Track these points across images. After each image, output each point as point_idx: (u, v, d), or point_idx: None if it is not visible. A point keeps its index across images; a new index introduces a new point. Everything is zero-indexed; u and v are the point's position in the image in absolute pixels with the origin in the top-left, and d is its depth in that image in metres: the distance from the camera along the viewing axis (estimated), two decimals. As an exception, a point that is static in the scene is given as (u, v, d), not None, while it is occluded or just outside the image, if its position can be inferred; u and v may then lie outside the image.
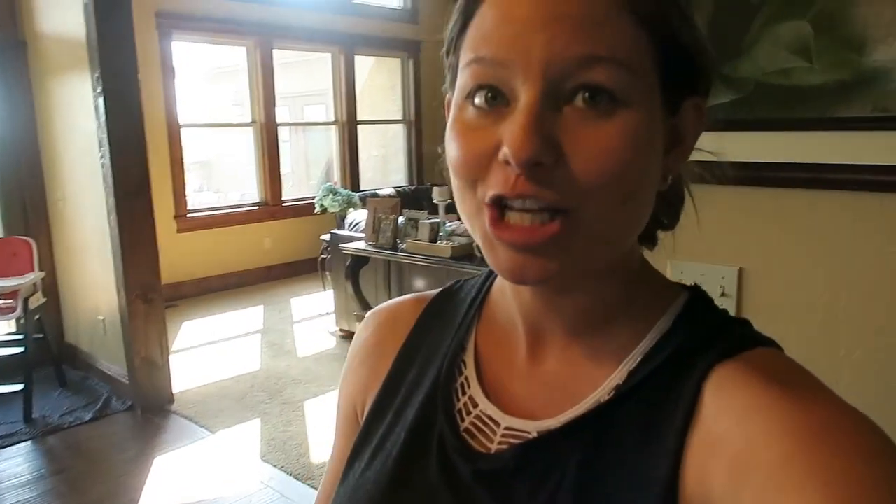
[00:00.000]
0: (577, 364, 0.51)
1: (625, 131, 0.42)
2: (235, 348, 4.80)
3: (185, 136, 6.13)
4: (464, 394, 0.55)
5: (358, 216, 5.02)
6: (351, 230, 4.92)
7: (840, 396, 0.42)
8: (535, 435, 0.49)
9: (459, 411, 0.54)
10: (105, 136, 3.39)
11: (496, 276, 0.60)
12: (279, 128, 6.80)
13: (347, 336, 4.82)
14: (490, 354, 0.56)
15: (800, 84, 1.22)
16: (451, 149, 0.46)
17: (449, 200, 4.05)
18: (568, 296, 0.50)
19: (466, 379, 0.55)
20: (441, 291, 0.64)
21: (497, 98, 0.44)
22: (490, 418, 0.52)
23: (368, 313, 0.67)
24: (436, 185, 4.22)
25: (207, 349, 4.80)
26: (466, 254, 3.81)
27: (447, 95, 0.52)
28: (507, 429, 0.51)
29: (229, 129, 6.77)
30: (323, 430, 3.48)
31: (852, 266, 1.22)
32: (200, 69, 6.44)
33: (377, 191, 6.65)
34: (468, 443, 0.52)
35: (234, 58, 6.55)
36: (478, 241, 0.47)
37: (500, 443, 0.50)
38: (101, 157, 3.46)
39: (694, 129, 0.49)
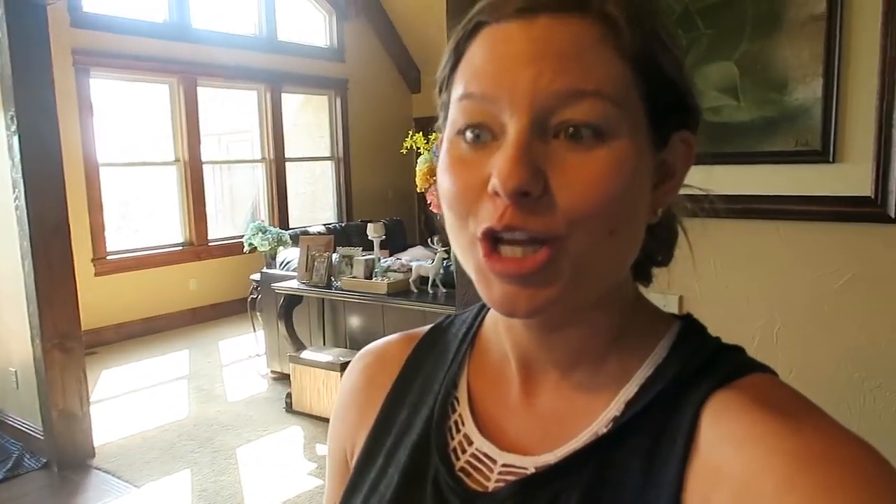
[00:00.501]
0: (573, 397, 0.51)
1: (610, 162, 0.43)
2: (160, 396, 4.57)
3: (104, 175, 5.89)
4: (458, 432, 0.54)
5: (289, 254, 4.93)
6: (282, 269, 4.82)
7: (838, 421, 0.42)
8: (533, 471, 0.48)
9: (454, 450, 0.53)
10: (20, 176, 3.21)
11: (487, 310, 0.60)
12: (204, 166, 6.64)
13: (280, 378, 4.68)
14: (483, 390, 0.55)
15: (729, 121, 1.29)
16: (444, 183, 0.47)
17: (383, 237, 4.04)
18: (560, 331, 0.50)
19: (460, 416, 0.54)
20: (432, 328, 0.64)
21: (485, 134, 0.45)
22: (486, 456, 0.51)
23: (357, 354, 0.66)
24: (370, 222, 4.20)
25: (130, 398, 4.55)
26: (403, 289, 3.79)
27: (440, 134, 0.53)
28: (504, 466, 0.50)
29: (151, 168, 6.55)
30: (258, 477, 3.35)
31: (785, 291, 1.29)
32: (120, 106, 6.21)
33: (307, 228, 6.56)
34: (464, 482, 0.51)
35: (156, 94, 6.38)
36: (472, 275, 0.47)
37: (497, 480, 0.50)
38: (16, 198, 3.28)
39: (683, 163, 0.50)
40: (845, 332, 1.24)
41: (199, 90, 6.52)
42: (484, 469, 0.51)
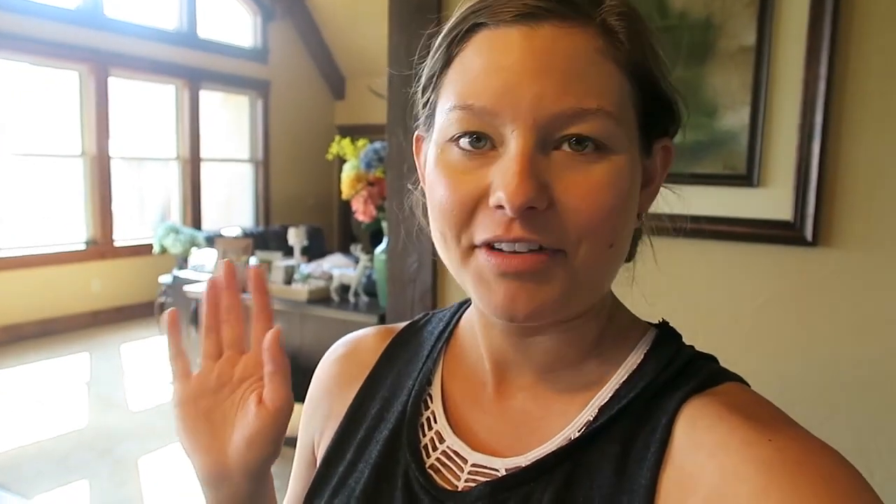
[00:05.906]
0: (546, 400, 0.51)
1: (611, 177, 0.43)
2: (56, 403, 4.28)
3: None
4: (430, 429, 0.53)
5: (203, 257, 4.76)
6: (195, 272, 4.64)
7: (809, 431, 0.43)
8: (503, 472, 0.48)
9: (425, 447, 0.52)
10: None
11: (465, 309, 0.59)
12: (113, 161, 6.31)
13: (188, 385, 4.48)
14: (457, 389, 0.55)
15: (663, 142, 1.35)
16: (438, 192, 0.45)
17: (305, 243, 3.96)
18: (540, 338, 0.50)
19: (433, 414, 0.54)
20: (409, 324, 0.63)
21: (482, 140, 0.44)
22: (457, 454, 0.51)
23: (332, 346, 0.64)
24: (291, 227, 4.11)
25: (21, 405, 4.24)
26: (323, 297, 3.72)
27: (418, 131, 0.52)
28: (474, 465, 0.50)
29: (54, 160, 6.16)
30: (162, 488, 3.19)
31: (708, 308, 1.35)
32: (22, 92, 5.80)
33: (221, 231, 6.35)
34: (434, 480, 0.50)
35: (64, 82, 6.01)
36: (468, 282, 0.47)
37: (467, 480, 0.49)
38: None
39: (662, 169, 0.51)
40: (762, 347, 1.31)
41: (112, 81, 6.21)
42: (454, 467, 0.50)
